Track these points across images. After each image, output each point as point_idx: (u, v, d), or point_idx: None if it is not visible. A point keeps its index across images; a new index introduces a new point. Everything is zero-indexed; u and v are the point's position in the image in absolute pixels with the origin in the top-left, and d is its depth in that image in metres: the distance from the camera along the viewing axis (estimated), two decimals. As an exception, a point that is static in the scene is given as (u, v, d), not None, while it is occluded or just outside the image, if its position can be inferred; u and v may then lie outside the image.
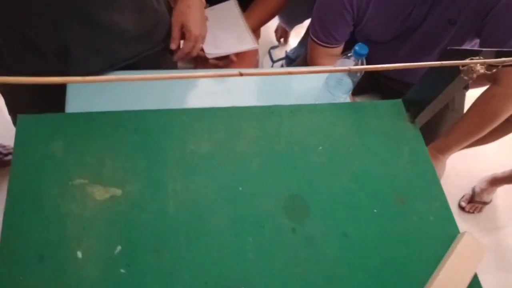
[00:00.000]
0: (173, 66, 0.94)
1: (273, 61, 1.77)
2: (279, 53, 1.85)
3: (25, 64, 0.70)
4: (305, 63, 1.17)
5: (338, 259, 0.61)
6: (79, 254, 0.54)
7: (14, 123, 0.92)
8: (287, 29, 1.82)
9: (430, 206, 0.68)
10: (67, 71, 0.72)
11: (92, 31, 0.65)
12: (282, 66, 1.76)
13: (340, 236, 0.62)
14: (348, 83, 0.74)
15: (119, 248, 0.56)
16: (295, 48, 1.71)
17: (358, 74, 0.72)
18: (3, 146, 1.31)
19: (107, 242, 0.56)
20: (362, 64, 0.71)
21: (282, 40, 1.89)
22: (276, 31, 1.89)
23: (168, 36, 0.85)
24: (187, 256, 0.57)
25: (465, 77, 0.43)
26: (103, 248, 0.55)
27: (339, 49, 1.06)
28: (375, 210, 0.66)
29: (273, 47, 1.86)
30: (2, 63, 0.70)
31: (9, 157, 1.30)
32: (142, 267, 0.55)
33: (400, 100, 0.78)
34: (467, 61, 0.37)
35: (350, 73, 0.72)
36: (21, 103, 0.83)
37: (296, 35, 1.88)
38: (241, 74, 0.28)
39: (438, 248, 0.64)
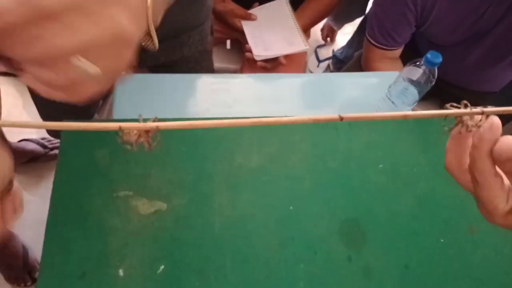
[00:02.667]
0: (210, 66, 0.90)
1: (319, 61, 1.70)
2: (326, 53, 1.77)
3: None
4: (357, 66, 1.09)
5: (399, 294, 0.54)
6: (121, 272, 0.51)
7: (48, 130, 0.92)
8: (334, 27, 1.74)
9: (505, 237, 0.60)
10: None
11: None
12: (328, 66, 1.69)
13: (402, 268, 0.56)
14: (413, 94, 0.66)
15: (162, 267, 0.52)
16: (343, 48, 1.63)
17: (428, 84, 0.64)
18: (49, 140, 1.34)
19: (150, 260, 0.53)
20: (433, 74, 0.64)
21: (328, 39, 1.81)
22: (322, 29, 1.81)
23: (208, 35, 0.80)
24: (232, 280, 0.53)
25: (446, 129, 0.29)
26: (145, 266, 0.52)
27: (398, 51, 0.98)
28: (442, 240, 0.58)
29: (319, 46, 1.78)
30: None
31: (55, 151, 1.32)
32: (185, 290, 0.51)
33: (471, 114, 0.69)
34: (452, 111, 0.25)
35: (417, 82, 0.65)
36: (53, 111, 0.81)
37: (344, 33, 1.80)
38: (341, 119, 0.23)
39: (515, 288, 0.56)
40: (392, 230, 0.58)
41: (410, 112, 0.23)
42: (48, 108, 0.81)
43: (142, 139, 0.23)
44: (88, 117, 0.67)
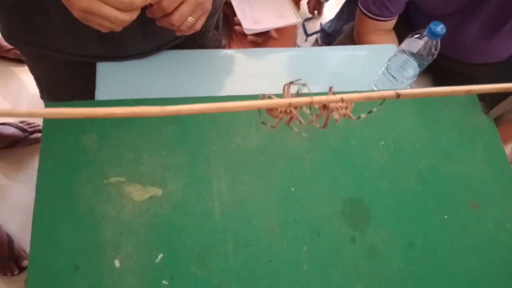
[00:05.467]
0: (218, 43, 0.85)
1: (307, 35, 1.65)
2: (313, 26, 1.73)
3: (66, 44, 0.63)
4: (350, 39, 1.06)
5: (404, 273, 0.53)
6: (117, 263, 0.49)
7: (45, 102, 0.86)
8: (321, 0, 1.68)
9: (508, 212, 0.59)
10: (111, 55, 0.65)
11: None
12: (316, 40, 1.65)
13: (406, 246, 0.55)
14: (414, 67, 0.64)
15: (160, 256, 0.50)
16: (331, 21, 1.58)
17: (430, 57, 0.62)
18: (29, 124, 1.27)
19: (148, 249, 0.50)
20: (435, 47, 0.61)
21: (315, 12, 1.75)
22: (308, 2, 1.76)
23: (214, 13, 0.75)
24: (235, 266, 0.51)
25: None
26: (143, 256, 0.49)
27: (392, 22, 0.95)
28: (445, 217, 0.57)
29: (307, 19, 1.73)
30: (44, 43, 0.63)
31: (35, 135, 1.26)
32: (186, 278, 0.49)
33: (472, 87, 0.67)
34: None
35: (418, 55, 0.62)
36: (56, 85, 0.76)
37: (331, 5, 1.75)
38: (398, 96, 0.20)
39: (518, 262, 0.56)
40: (396, 208, 0.57)
41: (474, 86, 0.20)
42: (50, 80, 0.76)
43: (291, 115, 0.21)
44: (90, 93, 0.63)
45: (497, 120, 0.67)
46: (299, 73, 0.77)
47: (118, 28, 0.44)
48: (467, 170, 0.61)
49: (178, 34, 0.53)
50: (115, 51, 0.64)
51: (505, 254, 0.56)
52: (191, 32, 0.52)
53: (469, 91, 0.20)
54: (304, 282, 0.51)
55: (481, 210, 0.59)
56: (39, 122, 1.28)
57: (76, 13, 0.42)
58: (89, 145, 0.54)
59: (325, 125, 0.25)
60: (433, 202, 0.58)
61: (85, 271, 0.47)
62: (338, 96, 0.21)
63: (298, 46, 1.63)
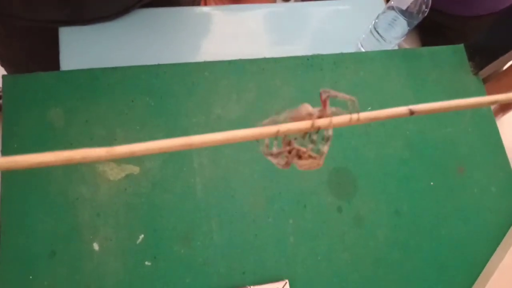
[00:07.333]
0: (194, 1, 0.78)
1: (288, -14, 1.56)
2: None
3: (19, 8, 0.55)
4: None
5: (390, 241, 0.53)
6: (96, 246, 0.46)
7: (8, 71, 0.79)
8: None
9: (493, 175, 0.59)
10: (76, 18, 0.58)
11: None
12: (298, -9, 1.56)
13: (393, 214, 0.54)
14: (403, 26, 0.60)
15: (141, 237, 0.48)
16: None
17: (419, 15, 0.58)
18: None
19: (128, 230, 0.48)
20: (426, 3, 0.57)
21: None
22: None
23: None
24: (220, 243, 0.49)
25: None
26: (123, 237, 0.47)
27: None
28: (431, 183, 0.57)
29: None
30: (9, 11, 0.56)
31: None
32: (170, 258, 0.48)
33: (461, 46, 0.64)
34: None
35: (408, 13, 0.58)
36: (16, 54, 0.69)
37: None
38: (412, 113, 0.17)
39: (501, 224, 0.57)
40: (382, 175, 0.56)
41: (500, 96, 0.17)
42: (8, 47, 0.69)
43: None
44: (55, 61, 0.57)
45: (484, 80, 0.65)
46: (281, 32, 0.72)
47: None
48: (455, 134, 0.59)
49: None
50: (77, 15, 0.57)
51: (489, 217, 0.57)
52: None
53: (495, 101, 0.17)
54: (290, 254, 0.50)
55: (467, 175, 0.58)
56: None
57: None
58: (55, 121, 0.50)
59: (287, 165, 0.20)
60: (419, 168, 0.57)
61: (62, 257, 0.45)
62: (325, 120, 0.18)
63: (279, -2, 1.55)
